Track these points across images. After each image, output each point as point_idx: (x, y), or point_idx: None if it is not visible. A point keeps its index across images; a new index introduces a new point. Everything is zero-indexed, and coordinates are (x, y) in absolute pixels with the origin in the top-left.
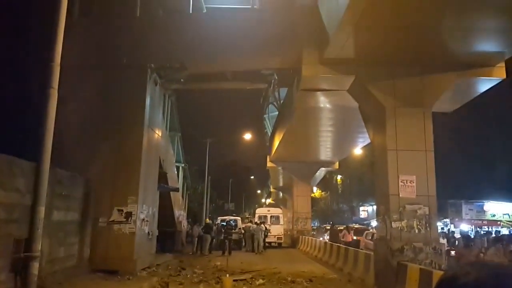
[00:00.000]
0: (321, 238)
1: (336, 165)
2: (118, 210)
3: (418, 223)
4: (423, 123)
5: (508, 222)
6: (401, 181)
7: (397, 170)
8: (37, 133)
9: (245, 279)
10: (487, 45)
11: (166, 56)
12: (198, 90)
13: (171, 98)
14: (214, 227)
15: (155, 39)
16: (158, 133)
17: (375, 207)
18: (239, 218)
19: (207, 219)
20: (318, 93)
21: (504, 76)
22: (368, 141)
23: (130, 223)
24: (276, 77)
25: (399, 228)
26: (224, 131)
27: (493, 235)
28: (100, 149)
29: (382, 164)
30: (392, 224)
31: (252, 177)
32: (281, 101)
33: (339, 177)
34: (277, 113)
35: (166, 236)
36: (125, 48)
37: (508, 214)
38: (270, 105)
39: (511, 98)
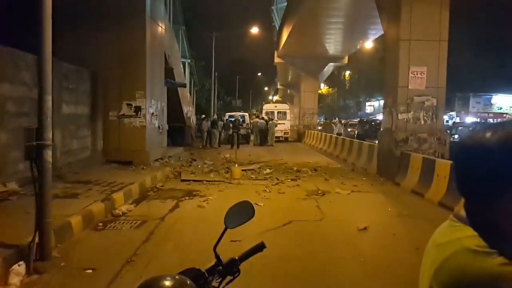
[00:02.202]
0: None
1: (345, 60)
2: (127, 105)
3: (425, 114)
4: (439, 11)
5: None
6: (412, 73)
7: (409, 61)
8: (35, 22)
9: (253, 169)
10: None
11: None
12: None
13: None
14: (220, 122)
15: None
16: (161, 26)
17: (381, 102)
18: (246, 114)
19: (203, 115)
20: None
21: None
22: (379, 33)
23: (140, 117)
24: None
25: (405, 120)
26: (230, 24)
27: None
28: (102, 42)
29: (394, 55)
30: (399, 115)
31: (259, 73)
32: None
33: (347, 72)
34: (285, 4)
35: (176, 131)
36: None
37: None
38: None
39: None
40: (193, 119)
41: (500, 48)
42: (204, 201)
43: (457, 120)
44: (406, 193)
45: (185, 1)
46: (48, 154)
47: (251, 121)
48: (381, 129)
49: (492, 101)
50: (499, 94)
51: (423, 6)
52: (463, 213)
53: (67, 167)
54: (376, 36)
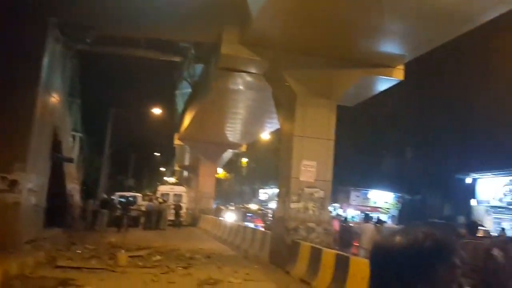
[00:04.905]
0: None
1: (244, 148)
2: (2, 178)
3: (313, 205)
4: (328, 114)
5: (386, 209)
6: (303, 166)
7: (301, 155)
8: None
9: (141, 255)
10: (391, 47)
11: (72, 12)
12: (106, 53)
13: (73, 60)
14: (110, 203)
15: None
16: (55, 97)
17: (275, 190)
18: (139, 195)
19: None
20: (235, 73)
21: (402, 78)
22: (275, 126)
23: (15, 193)
24: (193, 52)
25: (297, 209)
26: (131, 102)
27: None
28: None
29: (288, 149)
30: (291, 205)
31: (156, 153)
32: (195, 78)
33: (244, 160)
34: (189, 90)
35: (56, 209)
36: None
37: (387, 202)
38: (183, 81)
39: (404, 99)
40: (78, 197)
41: (377, 149)
42: None
43: (341, 212)
44: (295, 282)
45: (85, 73)
46: None
47: (146, 203)
48: (275, 217)
49: (368, 195)
50: (374, 190)
51: (314, 108)
52: None
53: None
54: (273, 129)
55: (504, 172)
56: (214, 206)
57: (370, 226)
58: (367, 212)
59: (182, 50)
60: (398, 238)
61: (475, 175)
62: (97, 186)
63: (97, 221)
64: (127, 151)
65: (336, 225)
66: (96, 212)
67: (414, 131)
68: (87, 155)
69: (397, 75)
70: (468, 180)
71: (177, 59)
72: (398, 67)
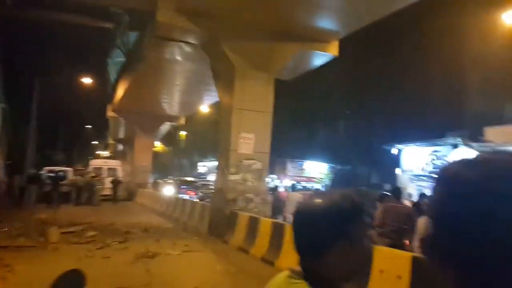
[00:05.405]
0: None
1: (183, 121)
2: None
3: (252, 176)
4: (266, 87)
5: (320, 179)
6: (241, 138)
7: (240, 128)
8: None
9: (74, 231)
10: (326, 23)
11: None
12: (30, 18)
13: None
14: (39, 178)
15: None
16: None
17: (214, 163)
18: (70, 169)
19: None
20: (172, 43)
21: (337, 54)
22: (214, 99)
23: None
24: (127, 18)
25: (235, 181)
26: (59, 71)
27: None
28: None
29: (227, 122)
30: (230, 177)
31: (88, 126)
32: (129, 47)
33: (183, 132)
34: (122, 59)
35: None
36: None
37: (321, 173)
38: (116, 50)
39: (338, 74)
40: (2, 173)
41: (312, 123)
42: (8, 271)
43: (278, 182)
44: (233, 251)
45: (9, 39)
46: None
47: (77, 177)
48: (214, 189)
49: (304, 166)
50: (309, 161)
51: (253, 81)
52: (296, 268)
53: None
54: (212, 102)
55: (427, 143)
56: (151, 180)
57: (296, 195)
58: (294, 183)
59: (114, 16)
60: (318, 201)
61: (400, 146)
62: (24, 161)
63: (24, 197)
64: (55, 123)
65: (283, 195)
66: (23, 188)
67: (346, 104)
68: (11, 127)
69: (332, 50)
70: (394, 150)
71: (109, 25)
72: (333, 42)
